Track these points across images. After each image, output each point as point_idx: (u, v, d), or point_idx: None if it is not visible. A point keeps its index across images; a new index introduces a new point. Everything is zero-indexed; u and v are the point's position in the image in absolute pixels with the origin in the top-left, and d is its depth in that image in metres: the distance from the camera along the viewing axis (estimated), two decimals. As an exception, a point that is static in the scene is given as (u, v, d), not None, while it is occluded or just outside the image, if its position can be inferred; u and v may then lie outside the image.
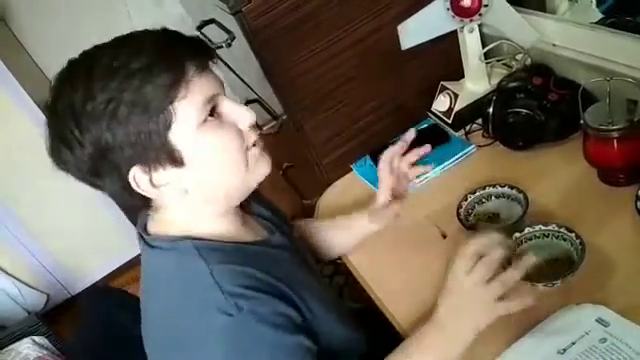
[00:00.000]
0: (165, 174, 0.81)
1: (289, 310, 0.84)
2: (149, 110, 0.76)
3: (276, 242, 0.98)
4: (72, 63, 0.80)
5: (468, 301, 0.86)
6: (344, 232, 1.24)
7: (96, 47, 0.81)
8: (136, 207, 0.87)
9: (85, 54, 0.81)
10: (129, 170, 0.79)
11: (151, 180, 0.80)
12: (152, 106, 0.76)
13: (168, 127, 0.78)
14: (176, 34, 0.82)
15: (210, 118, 0.81)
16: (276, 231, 1.01)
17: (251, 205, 1.02)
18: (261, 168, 0.90)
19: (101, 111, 0.75)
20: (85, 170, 0.80)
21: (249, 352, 0.79)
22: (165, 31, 0.82)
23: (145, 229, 0.92)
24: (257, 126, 0.90)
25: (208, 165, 0.83)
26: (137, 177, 0.79)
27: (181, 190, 0.83)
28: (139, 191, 0.81)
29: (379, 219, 1.16)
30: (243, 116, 0.85)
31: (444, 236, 1.16)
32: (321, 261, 1.26)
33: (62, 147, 0.78)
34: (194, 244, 0.85)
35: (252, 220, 1.01)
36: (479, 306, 0.85)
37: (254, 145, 0.88)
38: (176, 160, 0.80)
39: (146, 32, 0.82)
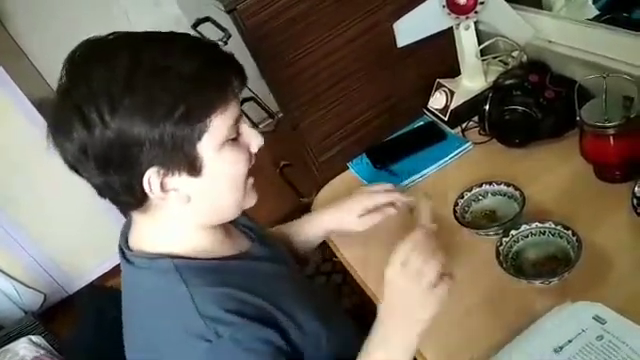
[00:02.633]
0: (178, 180, 0.81)
1: (271, 335, 0.83)
2: (189, 117, 0.77)
3: (257, 252, 0.99)
4: (109, 44, 0.79)
5: (404, 298, 0.84)
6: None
7: (138, 34, 0.80)
8: (125, 204, 0.85)
9: (125, 39, 0.80)
10: (147, 169, 0.78)
11: (162, 183, 0.80)
12: (193, 115, 0.77)
13: (200, 137, 0.79)
14: (222, 51, 0.84)
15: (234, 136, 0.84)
16: (256, 240, 1.02)
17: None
18: (251, 199, 0.93)
19: (141, 106, 0.74)
20: (92, 153, 0.76)
21: None
22: (213, 45, 0.85)
23: (127, 241, 0.91)
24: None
25: (220, 179, 0.85)
26: (152, 178, 0.79)
27: (185, 198, 0.83)
28: (147, 191, 0.80)
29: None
30: (256, 140, 0.88)
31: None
32: (302, 258, 1.27)
33: (77, 124, 0.75)
34: (175, 263, 0.85)
35: (234, 229, 1.01)
36: (415, 301, 0.83)
37: (250, 176, 0.90)
38: (195, 169, 0.81)
39: (194, 38, 0.83)
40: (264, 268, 0.97)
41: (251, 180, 0.91)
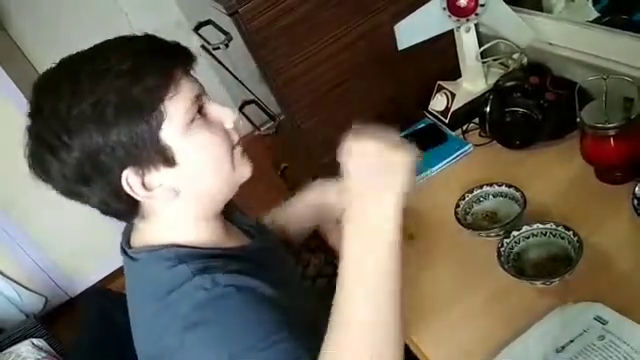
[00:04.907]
0: (157, 175, 0.81)
1: (270, 292, 0.83)
2: (139, 110, 0.77)
3: (257, 246, 0.99)
4: (51, 72, 0.81)
5: (367, 171, 0.78)
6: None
7: (76, 54, 0.82)
8: (123, 214, 0.86)
9: (65, 62, 0.81)
10: (122, 172, 0.79)
11: (143, 182, 0.80)
12: (142, 106, 0.77)
13: (159, 126, 0.79)
14: (158, 39, 0.84)
15: (197, 116, 0.83)
16: (256, 235, 1.02)
17: (233, 214, 1.03)
18: (244, 170, 0.91)
19: (89, 114, 0.75)
20: (71, 176, 0.78)
21: (233, 325, 0.77)
22: (148, 36, 0.84)
23: (128, 242, 0.92)
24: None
25: (198, 163, 0.84)
26: (130, 179, 0.79)
27: (173, 191, 0.83)
28: (131, 194, 0.80)
29: None
30: (227, 115, 0.87)
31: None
32: (295, 247, 1.26)
33: (47, 155, 0.78)
34: (176, 251, 0.85)
35: (235, 228, 1.01)
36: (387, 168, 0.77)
37: (237, 144, 0.90)
38: (168, 159, 0.81)
39: (128, 37, 0.83)
40: (262, 259, 0.96)
41: (239, 150, 0.90)
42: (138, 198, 0.81)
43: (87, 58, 0.80)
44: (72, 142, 0.76)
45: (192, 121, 0.82)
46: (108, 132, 0.76)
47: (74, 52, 0.83)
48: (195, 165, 0.83)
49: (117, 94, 0.76)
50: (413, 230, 1.18)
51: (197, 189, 0.86)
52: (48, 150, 0.77)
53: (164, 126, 0.79)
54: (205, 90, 0.87)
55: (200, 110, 0.84)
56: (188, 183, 0.84)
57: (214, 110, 0.86)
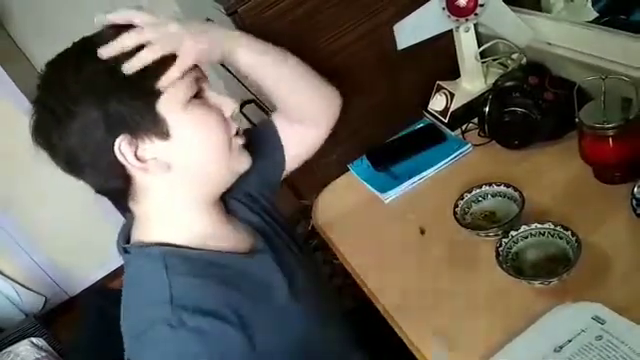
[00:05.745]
0: (151, 147, 0.82)
1: (238, 337, 0.82)
2: (138, 77, 0.79)
3: (259, 250, 0.97)
4: (59, 55, 0.83)
5: None
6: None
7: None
8: (117, 193, 0.86)
9: (69, 48, 0.84)
10: (115, 139, 0.79)
11: (136, 153, 0.81)
12: (140, 74, 0.79)
13: (157, 96, 0.80)
14: None
15: (197, 99, 0.85)
16: (261, 238, 1.00)
17: (241, 210, 1.02)
18: (243, 161, 0.92)
19: (90, 82, 0.77)
20: (74, 145, 0.79)
21: None
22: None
23: (127, 236, 0.92)
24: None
25: (193, 139, 0.84)
26: (123, 148, 0.79)
27: (164, 165, 0.83)
28: (124, 163, 0.80)
29: None
30: (227, 103, 0.89)
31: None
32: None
33: (51, 123, 0.79)
34: (163, 251, 0.85)
35: (238, 227, 0.99)
36: None
37: (237, 134, 0.90)
38: (162, 131, 0.81)
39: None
40: (258, 272, 0.94)
41: (238, 140, 0.91)
42: (130, 167, 0.81)
43: (92, 35, 0.83)
44: (75, 107, 0.77)
45: (191, 100, 0.83)
46: (107, 98, 0.77)
47: None
48: (189, 140, 0.84)
49: (117, 64, 0.78)
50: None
51: (190, 165, 0.86)
52: (53, 118, 0.78)
53: (162, 98, 0.80)
54: (207, 80, 0.89)
55: (200, 94, 0.86)
56: (179, 159, 0.84)
57: (214, 96, 0.88)
